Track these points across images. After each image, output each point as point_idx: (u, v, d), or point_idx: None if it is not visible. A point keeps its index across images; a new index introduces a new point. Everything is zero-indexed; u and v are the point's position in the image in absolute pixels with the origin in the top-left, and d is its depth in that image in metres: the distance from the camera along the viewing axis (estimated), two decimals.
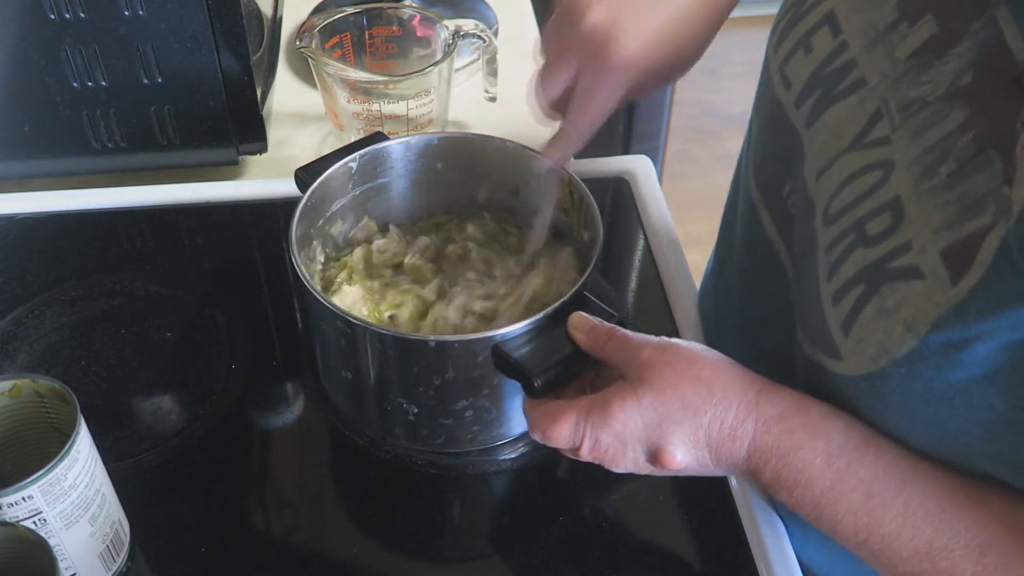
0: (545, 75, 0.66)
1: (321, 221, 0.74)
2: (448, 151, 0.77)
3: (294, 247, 0.67)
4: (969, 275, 0.45)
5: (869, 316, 0.50)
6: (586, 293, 0.64)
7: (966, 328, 0.45)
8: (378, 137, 0.76)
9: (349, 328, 0.64)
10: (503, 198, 0.79)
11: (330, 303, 0.64)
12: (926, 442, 0.51)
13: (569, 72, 0.64)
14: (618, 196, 0.92)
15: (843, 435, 0.53)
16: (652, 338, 0.58)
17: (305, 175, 0.73)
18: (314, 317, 0.69)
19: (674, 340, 0.58)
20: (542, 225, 0.74)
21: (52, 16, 0.80)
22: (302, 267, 0.66)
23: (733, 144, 2.47)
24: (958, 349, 0.46)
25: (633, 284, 0.86)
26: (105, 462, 0.61)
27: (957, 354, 0.46)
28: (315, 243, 0.74)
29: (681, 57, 0.65)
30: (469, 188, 0.79)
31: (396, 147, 0.76)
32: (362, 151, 0.74)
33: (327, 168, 0.73)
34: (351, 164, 0.74)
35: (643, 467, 0.57)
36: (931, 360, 0.47)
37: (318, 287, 0.67)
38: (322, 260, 0.76)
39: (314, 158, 0.75)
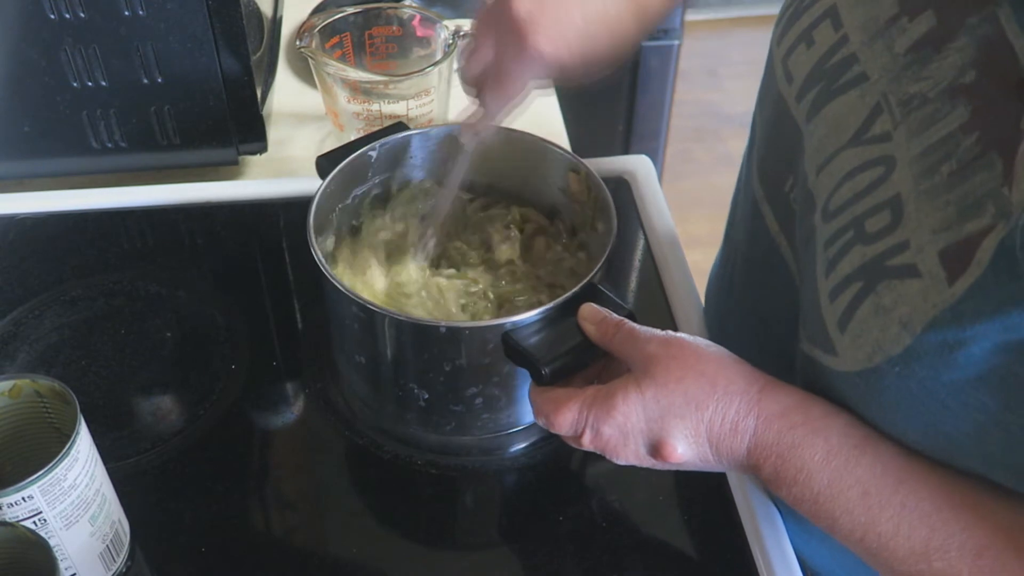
0: (467, 54, 0.69)
1: (339, 208, 0.75)
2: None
3: (311, 231, 0.67)
4: (966, 276, 0.45)
5: (865, 313, 0.50)
6: (597, 285, 0.64)
7: (961, 329, 0.45)
8: (399, 127, 0.77)
9: (363, 312, 0.65)
10: (522, 190, 0.79)
11: (345, 287, 0.64)
12: (919, 440, 0.51)
13: (488, 53, 0.67)
14: (618, 196, 0.92)
15: (842, 433, 0.53)
16: (659, 332, 0.58)
17: (326, 162, 0.73)
18: (330, 302, 0.70)
19: (680, 335, 0.58)
20: (447, 195, 0.75)
21: (52, 16, 0.80)
22: (319, 251, 0.66)
23: (733, 144, 2.47)
24: (953, 349, 0.46)
25: (633, 284, 0.86)
26: (105, 462, 0.61)
27: (952, 354, 0.46)
28: (332, 230, 0.75)
29: (600, 56, 0.66)
30: (488, 179, 0.79)
31: (416, 138, 0.77)
32: (383, 140, 0.75)
33: (348, 156, 0.73)
34: (371, 153, 0.75)
35: (644, 459, 0.57)
36: (926, 359, 0.47)
37: (334, 271, 0.68)
38: (338, 245, 0.76)
39: (314, 159, 0.75)
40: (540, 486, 0.71)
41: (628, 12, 0.66)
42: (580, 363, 0.62)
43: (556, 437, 0.61)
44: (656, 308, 0.81)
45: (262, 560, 0.66)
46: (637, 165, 0.94)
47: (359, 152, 0.74)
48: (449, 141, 0.76)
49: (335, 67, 0.90)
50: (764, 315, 0.69)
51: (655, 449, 0.56)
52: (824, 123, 0.57)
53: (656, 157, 1.97)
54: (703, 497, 0.69)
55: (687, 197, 2.29)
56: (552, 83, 0.68)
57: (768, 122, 0.66)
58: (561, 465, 0.72)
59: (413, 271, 0.74)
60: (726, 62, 2.79)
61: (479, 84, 0.68)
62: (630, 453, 0.57)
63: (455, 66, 0.97)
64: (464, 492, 0.72)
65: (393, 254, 0.76)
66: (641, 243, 0.88)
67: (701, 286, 0.85)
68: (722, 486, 0.69)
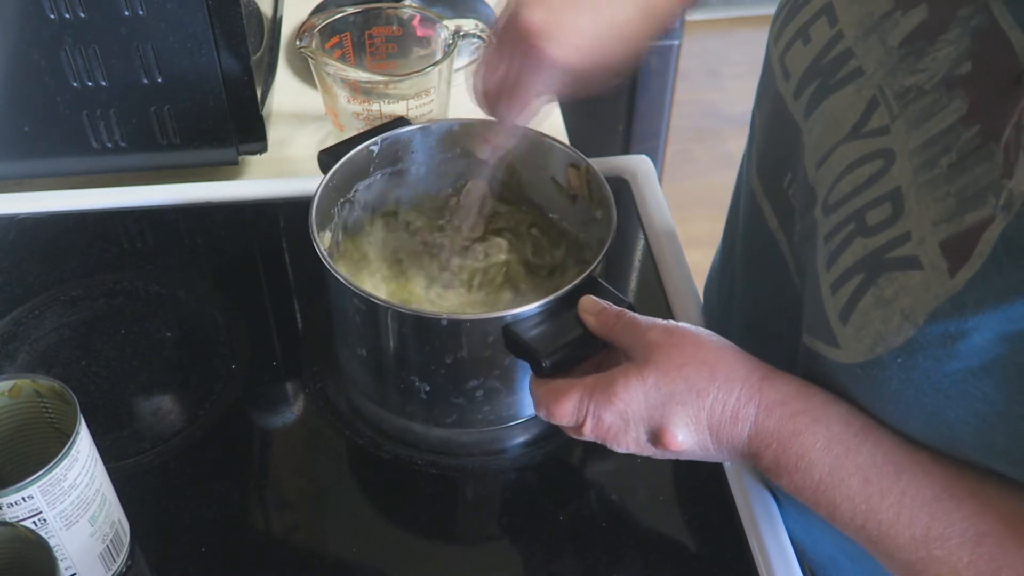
0: (480, 67, 0.69)
1: (341, 201, 0.75)
2: (468, 137, 0.78)
3: (313, 226, 0.68)
4: (967, 267, 0.45)
5: (867, 305, 0.50)
6: (597, 278, 0.64)
7: (963, 319, 0.46)
8: (400, 122, 0.77)
9: (364, 305, 0.65)
10: (521, 183, 0.79)
11: (346, 280, 0.64)
12: (921, 431, 0.52)
13: (502, 67, 0.67)
14: (618, 196, 0.91)
15: (843, 422, 0.53)
16: (660, 321, 0.59)
17: (327, 157, 0.74)
18: (332, 295, 0.70)
19: (681, 324, 0.58)
20: (470, 208, 0.76)
21: (52, 16, 0.80)
22: (320, 244, 0.66)
23: (733, 144, 2.47)
24: (955, 340, 0.46)
25: (633, 284, 0.86)
26: (105, 462, 0.61)
27: (954, 345, 0.46)
28: (333, 224, 0.75)
29: (611, 60, 0.66)
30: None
31: (417, 132, 0.77)
32: (384, 135, 0.75)
33: (349, 150, 0.74)
34: (372, 147, 0.75)
35: (644, 447, 0.58)
36: (928, 350, 0.48)
37: (336, 265, 0.68)
38: (339, 239, 0.77)
39: (314, 158, 0.75)
40: (540, 485, 0.71)
41: (637, 15, 0.66)
42: (580, 355, 0.62)
43: (556, 435, 0.61)
44: (656, 308, 0.81)
45: (262, 560, 0.66)
46: (637, 165, 0.94)
47: (361, 146, 0.74)
48: (450, 136, 0.77)
49: (335, 67, 0.91)
50: (763, 311, 0.69)
51: (655, 436, 0.56)
52: (822, 118, 0.57)
53: (656, 157, 1.97)
54: (703, 495, 0.69)
55: (687, 197, 2.29)
56: (567, 95, 0.68)
57: (766, 120, 0.67)
58: (561, 464, 0.72)
59: (416, 286, 0.75)
60: (726, 62, 2.79)
61: (494, 98, 0.68)
62: (630, 440, 0.57)
63: (455, 66, 0.97)
64: (464, 492, 0.72)
65: (395, 265, 0.77)
66: (641, 243, 0.88)
67: (701, 286, 0.85)
68: (721, 484, 0.69)
